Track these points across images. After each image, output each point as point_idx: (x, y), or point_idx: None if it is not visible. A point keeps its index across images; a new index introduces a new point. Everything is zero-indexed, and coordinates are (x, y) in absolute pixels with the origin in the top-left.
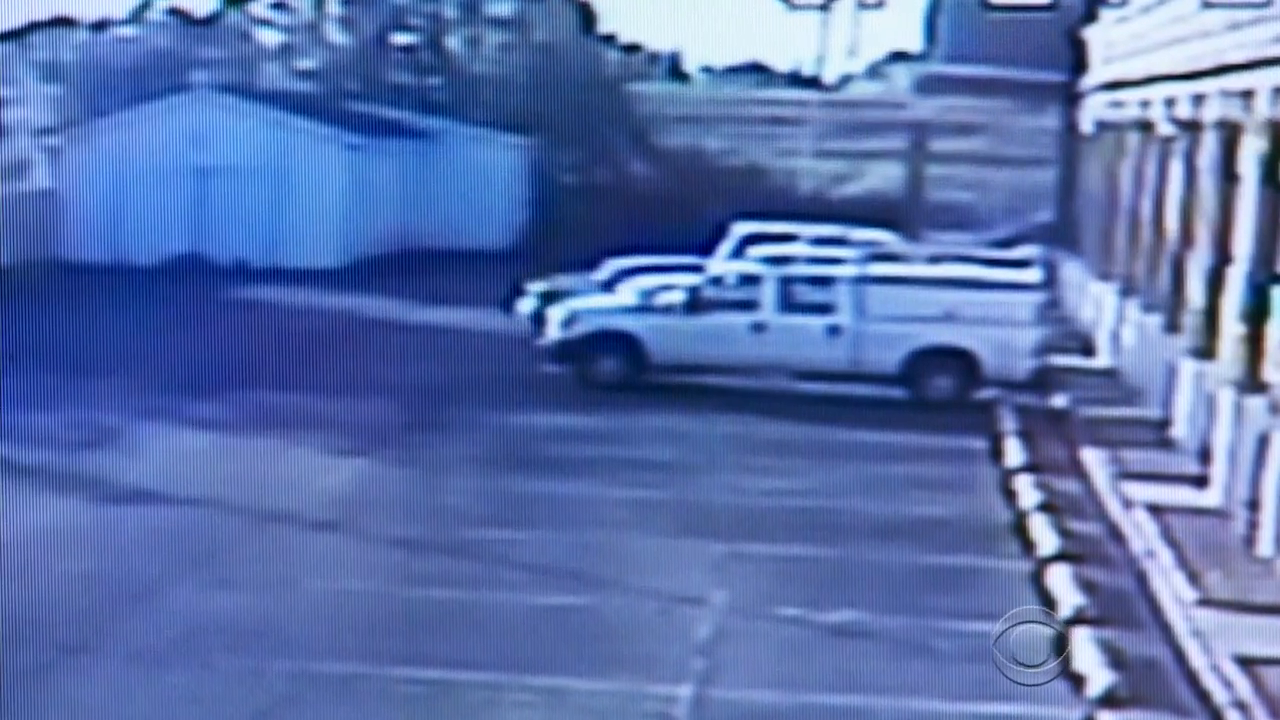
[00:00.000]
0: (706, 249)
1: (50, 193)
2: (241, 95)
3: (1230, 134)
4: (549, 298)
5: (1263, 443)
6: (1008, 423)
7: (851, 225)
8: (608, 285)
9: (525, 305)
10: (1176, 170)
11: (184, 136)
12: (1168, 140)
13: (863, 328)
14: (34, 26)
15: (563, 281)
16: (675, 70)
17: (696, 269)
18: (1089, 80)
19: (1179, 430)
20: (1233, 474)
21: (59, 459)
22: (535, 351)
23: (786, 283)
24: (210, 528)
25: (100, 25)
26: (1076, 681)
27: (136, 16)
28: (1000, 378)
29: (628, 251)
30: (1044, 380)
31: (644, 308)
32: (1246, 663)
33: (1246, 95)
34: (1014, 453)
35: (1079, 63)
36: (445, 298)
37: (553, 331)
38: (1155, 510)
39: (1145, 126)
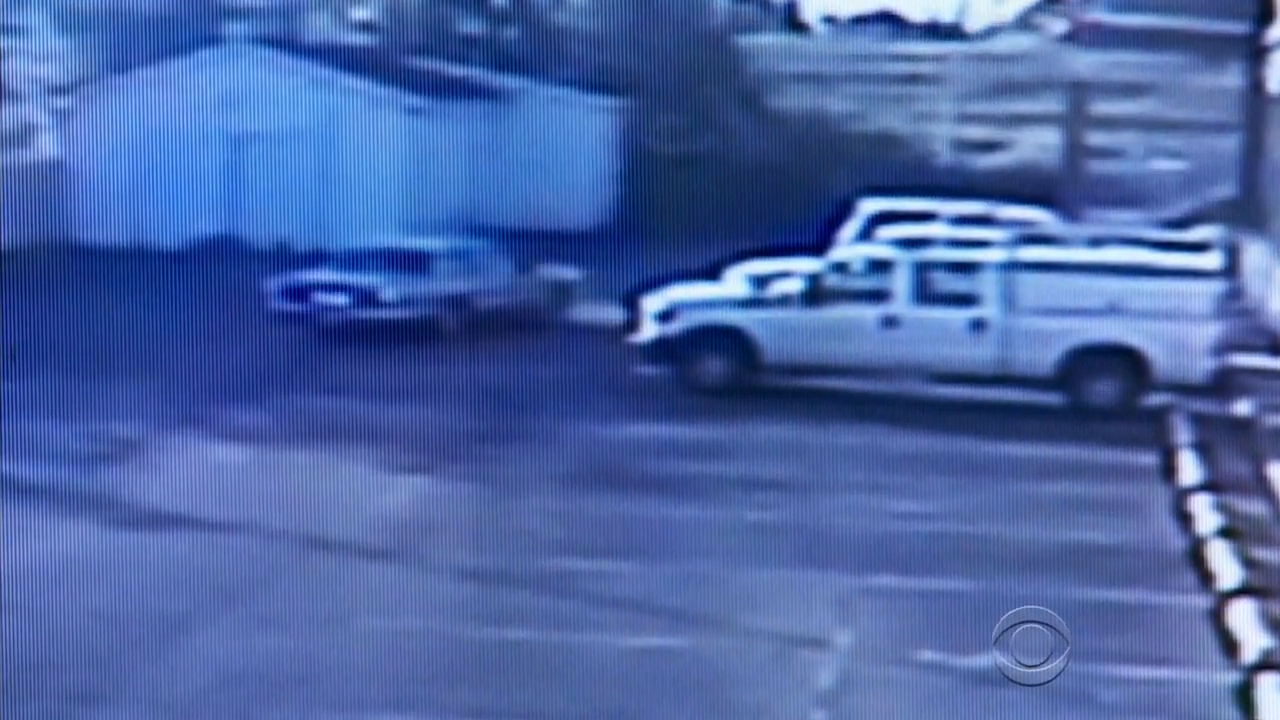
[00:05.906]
0: (829, 230)
1: (59, 163)
2: (284, 49)
3: None
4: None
5: None
6: (1182, 434)
7: (999, 202)
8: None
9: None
10: None
11: (217, 97)
12: None
13: (1012, 322)
14: None
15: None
16: (792, 20)
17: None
18: (1278, 32)
19: None
20: None
21: (70, 476)
22: (628, 350)
23: (923, 269)
24: (247, 557)
25: None
26: None
27: None
28: (1173, 380)
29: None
30: (1225, 383)
31: (756, 299)
32: None
33: None
34: (1189, 469)
35: (1266, 11)
36: None
37: (648, 327)
38: None
39: None
